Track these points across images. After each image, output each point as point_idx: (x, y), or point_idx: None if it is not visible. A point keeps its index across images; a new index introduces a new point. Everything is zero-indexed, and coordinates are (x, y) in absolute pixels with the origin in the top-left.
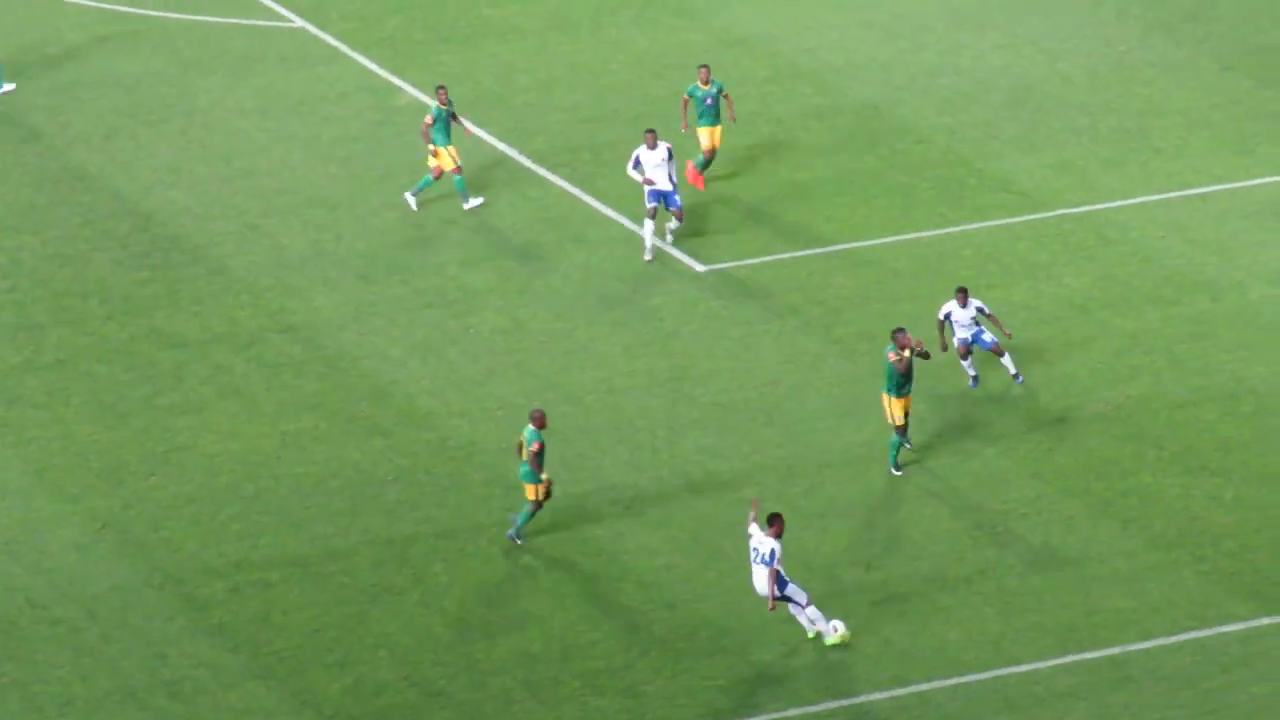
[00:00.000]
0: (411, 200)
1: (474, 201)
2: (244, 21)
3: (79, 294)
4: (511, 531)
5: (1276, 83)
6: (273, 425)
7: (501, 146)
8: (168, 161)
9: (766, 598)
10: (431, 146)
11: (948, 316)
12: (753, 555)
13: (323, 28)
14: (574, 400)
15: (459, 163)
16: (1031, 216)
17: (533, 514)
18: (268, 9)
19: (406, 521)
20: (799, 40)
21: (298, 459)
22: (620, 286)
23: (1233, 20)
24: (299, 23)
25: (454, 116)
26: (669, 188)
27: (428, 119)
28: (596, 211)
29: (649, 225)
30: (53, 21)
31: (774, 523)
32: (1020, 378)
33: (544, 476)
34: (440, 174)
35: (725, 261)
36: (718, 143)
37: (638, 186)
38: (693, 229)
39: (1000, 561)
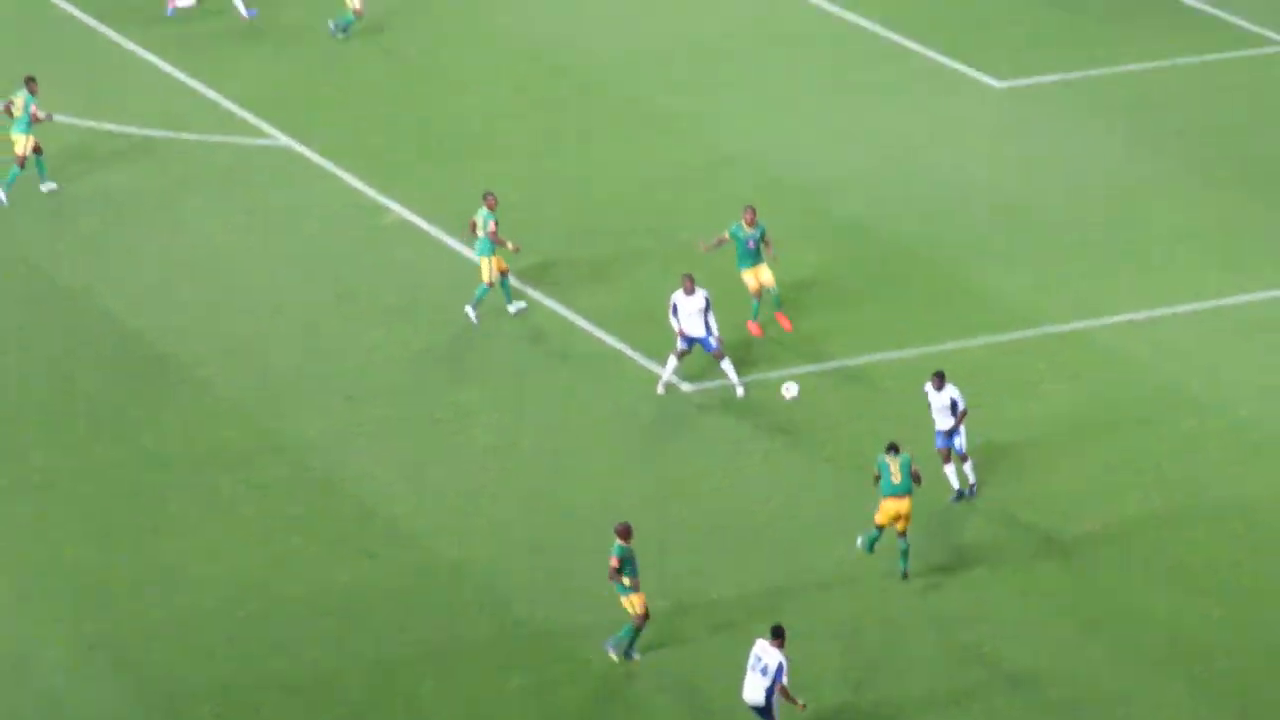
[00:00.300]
0: (472, 313)
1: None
2: (230, 139)
3: (66, 414)
4: (613, 645)
5: (1263, 198)
6: (261, 546)
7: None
8: (155, 280)
9: (761, 706)
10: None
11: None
12: (752, 662)
13: (309, 145)
14: (564, 519)
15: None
16: (1018, 334)
17: (637, 630)
18: (254, 127)
19: (395, 643)
20: (784, 156)
21: (286, 580)
22: (609, 404)
23: (1219, 135)
24: (285, 140)
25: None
26: (702, 334)
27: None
28: (583, 329)
29: (673, 362)
30: (40, 138)
31: (778, 635)
32: (973, 490)
33: (629, 584)
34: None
35: (711, 380)
36: (768, 280)
37: (622, 304)
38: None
39: (989, 682)
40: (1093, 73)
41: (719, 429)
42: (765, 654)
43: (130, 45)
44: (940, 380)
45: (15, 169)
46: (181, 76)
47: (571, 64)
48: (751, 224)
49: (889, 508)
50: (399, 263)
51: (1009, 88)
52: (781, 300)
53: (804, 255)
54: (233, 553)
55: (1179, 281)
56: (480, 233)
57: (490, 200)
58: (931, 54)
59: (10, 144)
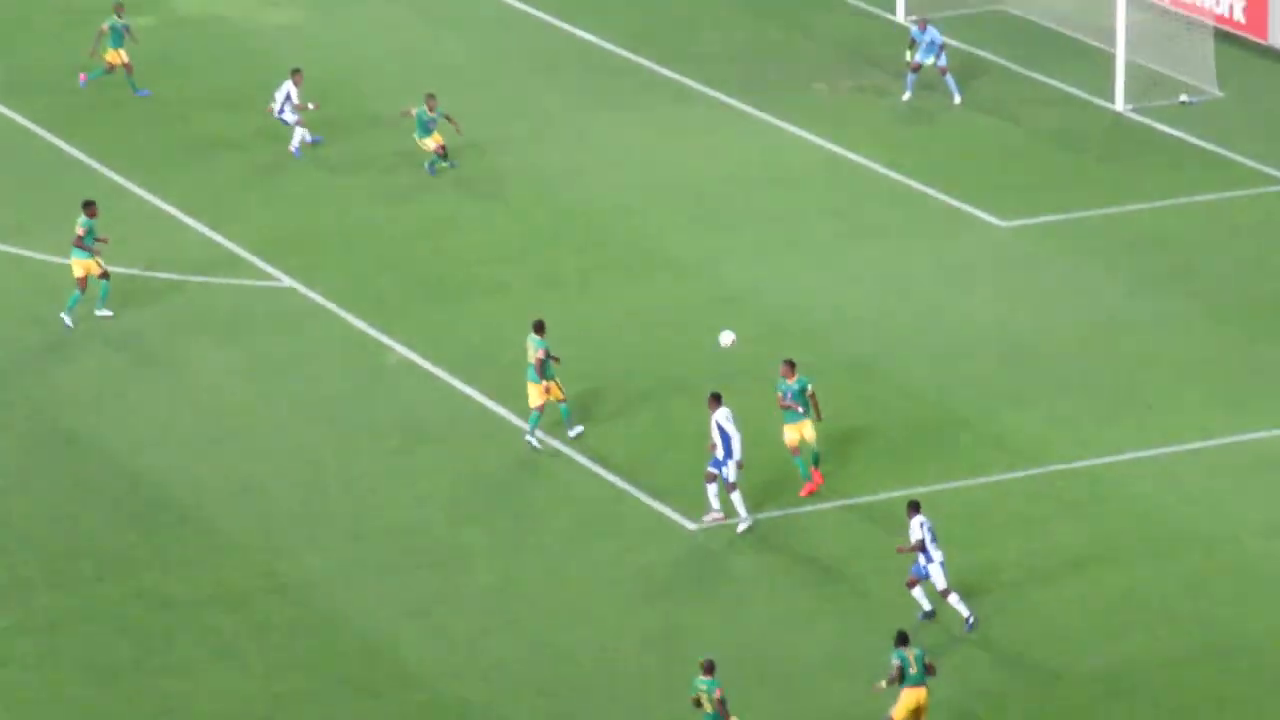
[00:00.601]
0: (532, 442)
1: None
2: (233, 281)
3: (70, 555)
4: None
5: (1268, 336)
6: (264, 686)
7: (490, 405)
8: (157, 422)
9: None
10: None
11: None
12: None
13: (311, 286)
14: (567, 659)
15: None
16: (1024, 472)
17: None
18: (257, 269)
19: None
20: (788, 297)
21: None
22: (611, 544)
23: (1222, 274)
24: (288, 282)
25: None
26: (722, 455)
27: None
28: (586, 468)
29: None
30: (42, 281)
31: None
32: (971, 624)
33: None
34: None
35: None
36: (810, 436)
37: (624, 445)
38: (683, 487)
39: None
40: (1096, 212)
41: (722, 567)
42: None
43: (132, 186)
44: (913, 510)
45: (76, 293)
46: (184, 218)
47: (574, 204)
48: (791, 378)
49: (908, 699)
50: (402, 403)
51: (1014, 228)
52: (817, 461)
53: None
54: (236, 693)
55: (1185, 420)
56: (531, 359)
57: (539, 327)
58: (936, 194)
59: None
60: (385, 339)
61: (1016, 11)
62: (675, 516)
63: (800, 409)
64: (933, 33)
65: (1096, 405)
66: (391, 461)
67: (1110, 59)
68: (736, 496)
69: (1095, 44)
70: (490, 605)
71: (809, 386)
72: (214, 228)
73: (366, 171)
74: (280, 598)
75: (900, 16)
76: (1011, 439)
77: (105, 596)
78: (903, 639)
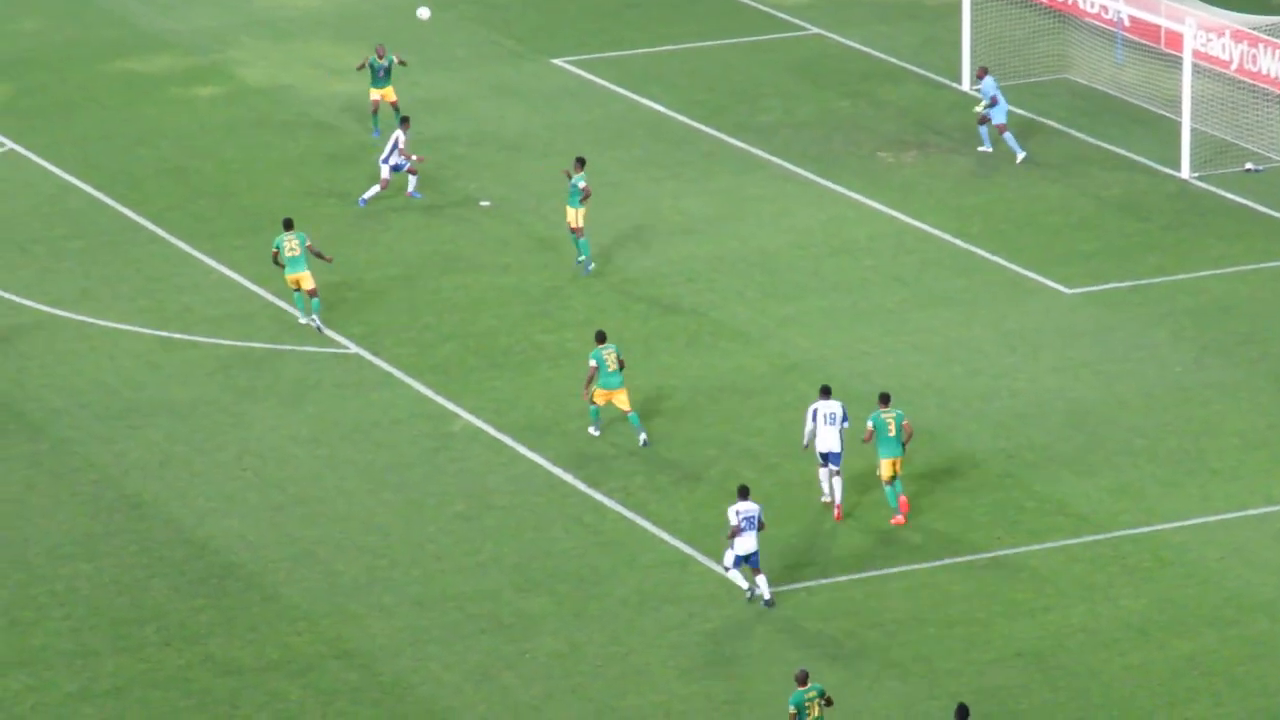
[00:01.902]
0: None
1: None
2: (298, 348)
3: (135, 621)
4: None
5: None
6: None
7: (555, 471)
8: (222, 489)
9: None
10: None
11: None
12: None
13: (376, 354)
14: None
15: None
16: (1088, 538)
17: None
18: (323, 335)
19: None
20: (852, 365)
21: None
22: (676, 610)
23: None
24: (353, 349)
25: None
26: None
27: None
28: (651, 534)
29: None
30: (106, 349)
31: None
32: None
33: None
34: None
35: (781, 585)
36: (891, 472)
37: (690, 512)
38: None
39: None
40: (1162, 280)
41: (785, 634)
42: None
43: (197, 254)
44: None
45: (314, 302)
46: (250, 285)
47: (639, 273)
48: (887, 407)
49: None
50: (466, 470)
51: (1079, 295)
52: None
53: (872, 463)
54: None
55: (1250, 486)
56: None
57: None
58: (1001, 262)
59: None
60: (451, 406)
61: (1082, 80)
62: (741, 583)
63: (892, 438)
64: (985, 83)
65: (1161, 471)
66: (457, 527)
67: (1176, 127)
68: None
69: (1161, 112)
70: (554, 671)
71: (905, 420)
72: (280, 295)
73: (431, 240)
74: (345, 664)
75: (966, 86)
76: (1076, 505)
77: (171, 663)
78: (802, 679)
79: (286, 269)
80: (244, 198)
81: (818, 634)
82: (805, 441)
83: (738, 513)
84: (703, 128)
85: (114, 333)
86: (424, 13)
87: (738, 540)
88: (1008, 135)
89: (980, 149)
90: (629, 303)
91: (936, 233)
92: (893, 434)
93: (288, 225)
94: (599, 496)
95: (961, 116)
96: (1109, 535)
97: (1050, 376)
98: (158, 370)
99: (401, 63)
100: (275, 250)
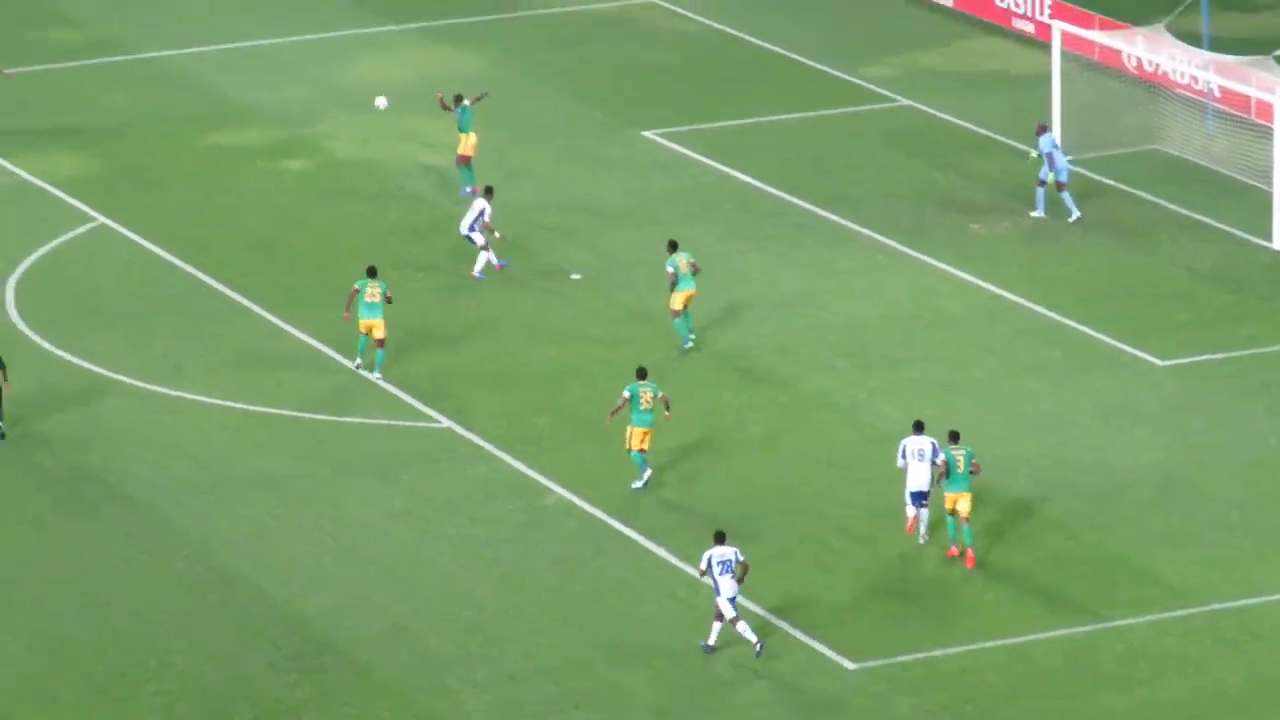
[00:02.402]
0: None
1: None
2: (391, 422)
3: (228, 697)
4: None
5: None
6: None
7: (647, 544)
8: (315, 564)
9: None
10: None
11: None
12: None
13: (469, 428)
14: None
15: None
16: (1182, 611)
17: None
18: (415, 409)
19: None
20: (944, 437)
21: None
22: (769, 683)
23: None
24: (446, 423)
25: None
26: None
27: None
28: (743, 607)
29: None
30: (197, 423)
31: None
32: None
33: None
34: None
35: (875, 658)
36: (964, 509)
37: (782, 588)
38: (841, 625)
39: None
40: (1255, 351)
41: (881, 707)
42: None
43: (287, 326)
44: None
45: (379, 353)
46: (339, 358)
47: (730, 345)
48: (956, 444)
49: None
50: (559, 543)
51: (1172, 367)
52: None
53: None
54: None
55: None
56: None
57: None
58: (1093, 333)
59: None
60: (542, 479)
61: (1173, 150)
62: (833, 655)
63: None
64: (1041, 141)
65: (1255, 544)
66: (549, 601)
67: (1267, 197)
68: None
69: (1252, 183)
70: None
71: (975, 458)
72: (370, 369)
73: (522, 312)
74: None
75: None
76: (1170, 577)
77: None
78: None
79: (361, 314)
80: (333, 270)
81: (913, 709)
82: (899, 465)
83: (710, 557)
84: (792, 199)
85: (205, 407)
86: (381, 102)
87: (722, 585)
88: (1065, 194)
89: (1033, 214)
90: (720, 374)
91: (1028, 304)
92: (961, 470)
93: (371, 273)
94: (691, 570)
95: (1053, 188)
96: (1203, 608)
97: (1143, 449)
98: (250, 444)
99: (480, 97)
100: (355, 289)
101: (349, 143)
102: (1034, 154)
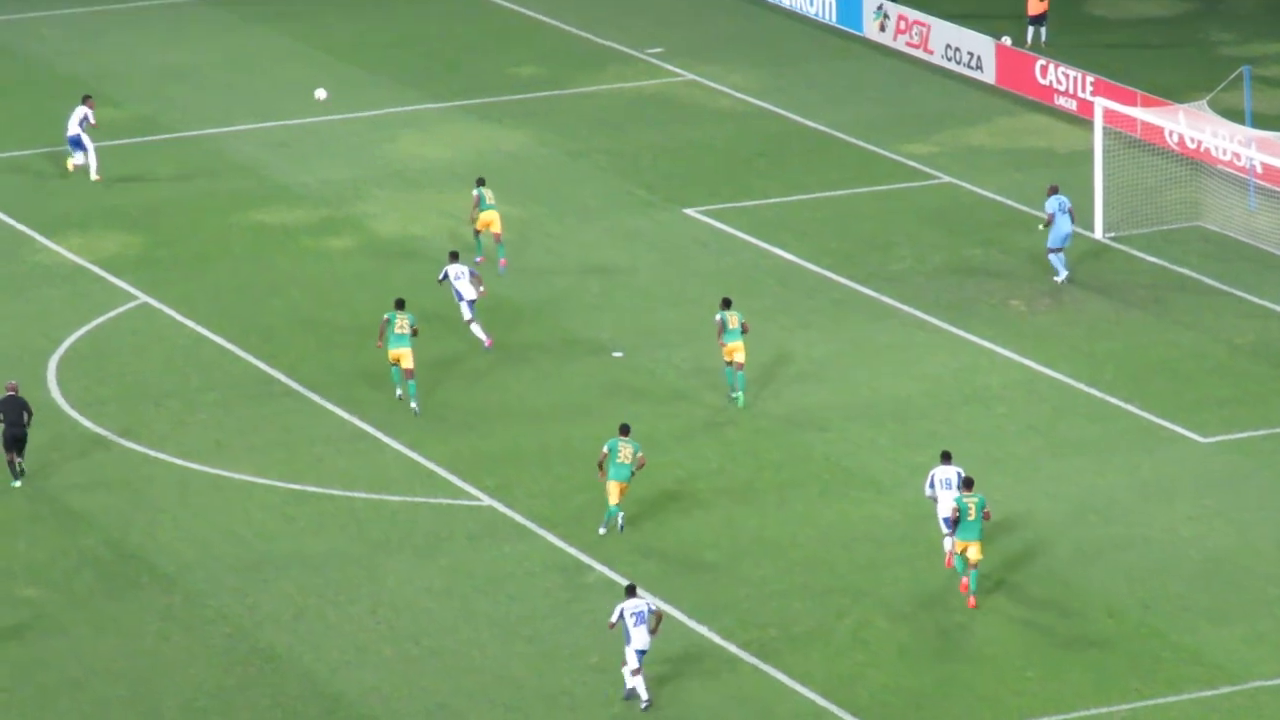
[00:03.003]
0: None
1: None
2: (432, 500)
3: None
4: None
5: None
6: None
7: (690, 623)
8: (355, 642)
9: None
10: None
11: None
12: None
13: (511, 505)
14: None
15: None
16: (1225, 689)
17: None
18: (456, 487)
19: None
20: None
21: None
22: None
23: None
24: (487, 500)
25: None
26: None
27: None
28: (785, 687)
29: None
30: (240, 501)
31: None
32: None
33: None
34: None
35: None
36: (974, 556)
37: (828, 664)
38: (884, 706)
39: None
40: None
41: None
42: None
43: (330, 405)
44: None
45: (411, 384)
46: (383, 437)
47: (771, 421)
48: (970, 491)
49: None
50: (601, 621)
51: (1214, 443)
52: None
53: (1009, 611)
54: None
55: None
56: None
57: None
58: (1135, 410)
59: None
60: (584, 557)
61: (1215, 227)
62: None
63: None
64: (1048, 201)
65: None
66: (591, 679)
67: None
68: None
69: None
70: None
71: (986, 506)
72: (413, 447)
73: (563, 389)
74: None
75: (1099, 234)
76: (1212, 655)
77: None
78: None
79: (389, 345)
80: (376, 349)
81: None
82: (927, 495)
83: (622, 609)
84: (834, 276)
85: (247, 485)
86: (321, 94)
87: (634, 635)
88: (1059, 256)
89: (1055, 278)
90: (761, 450)
91: (1069, 380)
92: (973, 518)
93: (399, 305)
94: (733, 649)
95: (1094, 264)
96: (1245, 686)
97: (1185, 525)
98: (291, 522)
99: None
100: (385, 320)
101: (392, 220)
102: (1043, 221)
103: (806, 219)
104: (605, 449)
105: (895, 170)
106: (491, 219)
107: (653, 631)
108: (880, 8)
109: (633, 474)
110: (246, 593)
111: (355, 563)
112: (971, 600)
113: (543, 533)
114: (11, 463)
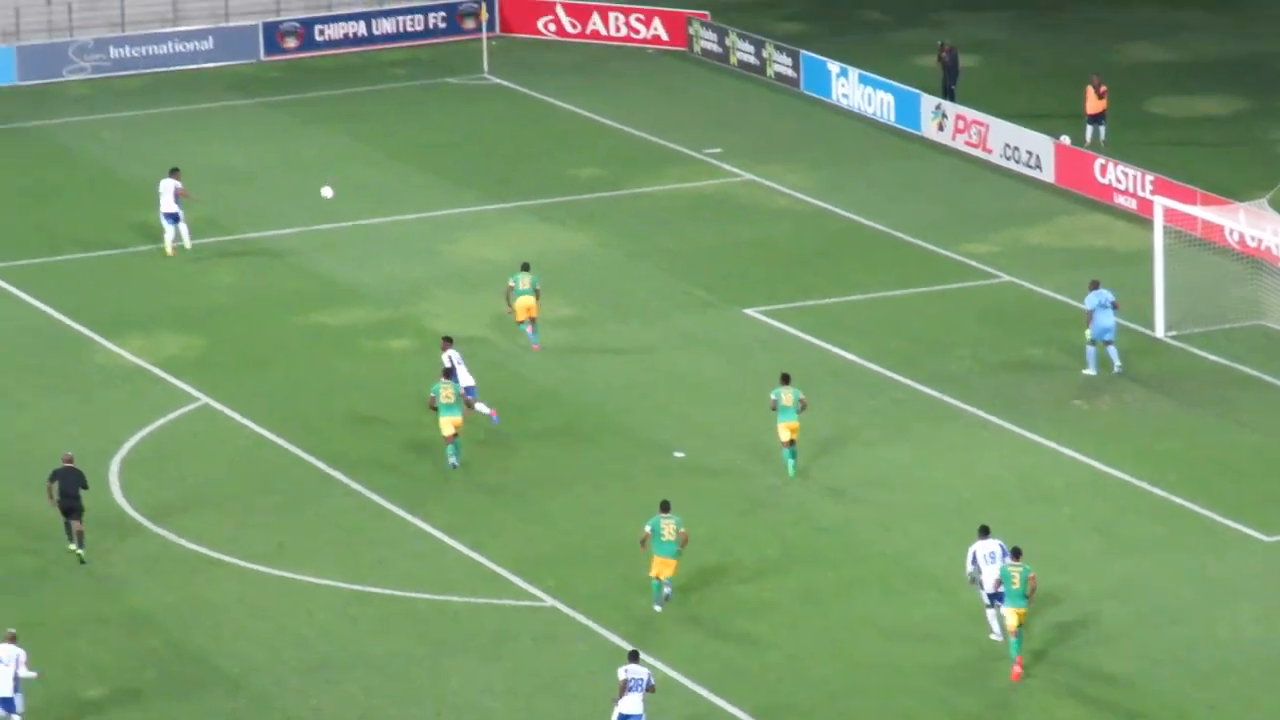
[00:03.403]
0: None
1: None
2: (495, 601)
3: None
4: None
5: None
6: None
7: None
8: None
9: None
10: None
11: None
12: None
13: (573, 605)
14: None
15: None
16: None
17: None
18: (518, 588)
19: None
20: (1052, 615)
21: None
22: None
23: None
24: (549, 600)
25: None
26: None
27: None
28: None
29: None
30: (303, 602)
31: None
32: None
33: None
34: None
35: None
36: (1011, 624)
37: None
38: None
39: None
40: None
41: None
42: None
43: (393, 507)
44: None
45: (454, 444)
46: (444, 538)
47: (832, 522)
48: (1016, 561)
49: None
50: (662, 719)
51: (1279, 542)
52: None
53: (1075, 713)
54: None
55: None
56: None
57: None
58: (1199, 509)
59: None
60: (646, 656)
61: (1276, 326)
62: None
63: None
64: (1089, 296)
65: None
66: None
67: None
68: None
69: None
70: None
71: (1031, 574)
72: (475, 548)
73: (624, 490)
74: None
75: (1159, 333)
76: None
77: None
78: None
79: (440, 413)
80: (437, 451)
81: None
82: (969, 579)
83: (626, 671)
84: (894, 375)
85: (310, 586)
86: (327, 191)
87: (624, 700)
88: (1096, 350)
89: (1085, 371)
90: (823, 551)
91: (1133, 479)
92: (1017, 586)
93: (447, 374)
94: None
95: (1156, 363)
96: None
97: (1252, 625)
98: (354, 623)
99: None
100: (432, 396)
101: (452, 321)
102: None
103: (866, 319)
104: (647, 528)
105: (955, 269)
106: (529, 304)
107: (649, 689)
108: (939, 107)
109: (678, 550)
110: (310, 694)
111: (418, 664)
112: (1016, 672)
113: (604, 632)
114: (68, 527)
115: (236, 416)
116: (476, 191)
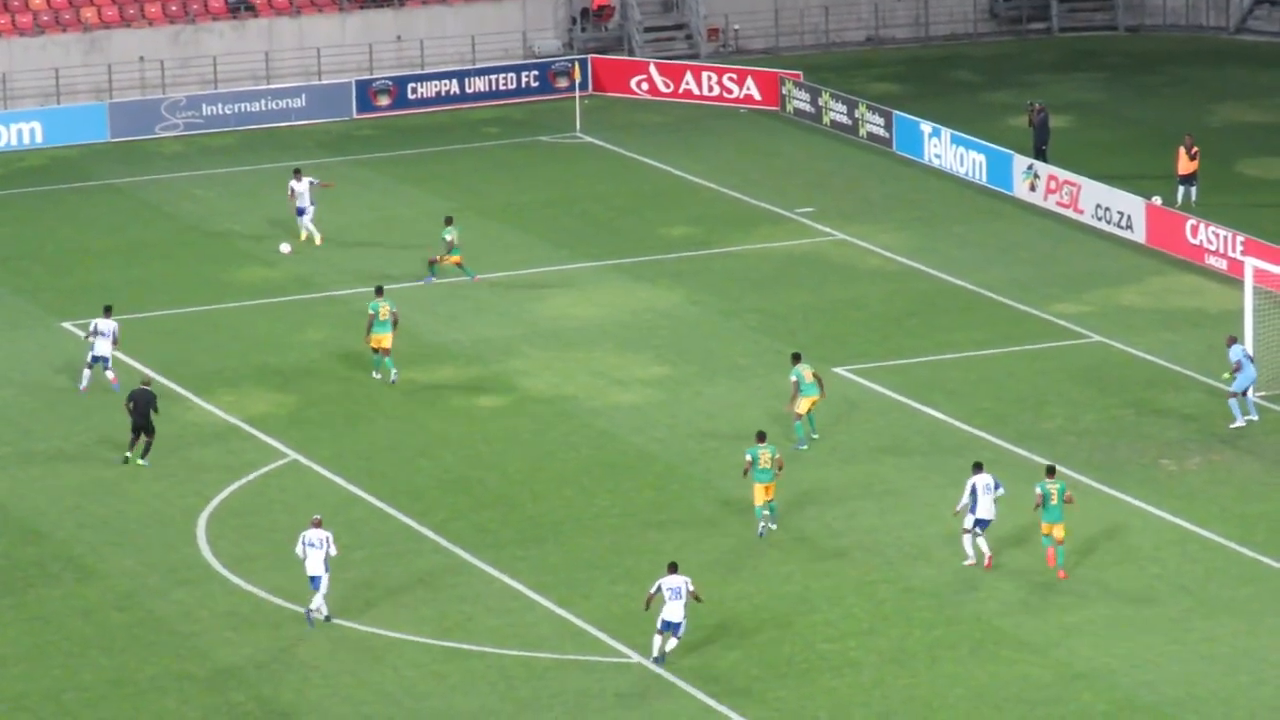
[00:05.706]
0: None
1: None
2: (580, 658)
3: None
4: None
5: None
6: None
7: None
8: None
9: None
10: None
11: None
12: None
13: (662, 668)
14: None
15: None
16: None
17: None
18: (605, 645)
19: None
20: (1138, 674)
21: None
22: None
23: None
24: (636, 658)
25: None
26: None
27: None
28: None
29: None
30: (390, 659)
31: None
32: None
33: None
34: None
35: None
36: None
37: None
38: None
39: None
40: None
41: None
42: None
43: (480, 564)
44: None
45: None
46: (532, 595)
47: (922, 582)
48: (1051, 478)
49: None
50: None
51: None
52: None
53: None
54: None
55: None
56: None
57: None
58: None
59: None
60: (734, 715)
61: None
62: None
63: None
64: (1231, 351)
65: None
66: None
67: None
68: None
69: None
70: None
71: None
72: (563, 605)
73: (715, 548)
74: None
75: (1250, 394)
76: None
77: None
78: None
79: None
80: (527, 508)
81: None
82: (958, 508)
83: (660, 585)
84: (984, 435)
85: (397, 643)
86: (285, 248)
87: (667, 608)
88: (1233, 401)
89: (1232, 425)
90: (912, 611)
91: (1221, 540)
92: (1055, 502)
93: (379, 292)
94: None
95: (1246, 425)
96: None
97: None
98: (441, 680)
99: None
100: (371, 314)
101: (544, 379)
102: (1230, 369)
103: (957, 378)
104: (748, 457)
105: (1046, 329)
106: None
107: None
108: (1030, 167)
109: (775, 476)
110: None
111: None
112: (1061, 572)
113: (693, 691)
114: (135, 440)
115: (326, 473)
116: (568, 250)
